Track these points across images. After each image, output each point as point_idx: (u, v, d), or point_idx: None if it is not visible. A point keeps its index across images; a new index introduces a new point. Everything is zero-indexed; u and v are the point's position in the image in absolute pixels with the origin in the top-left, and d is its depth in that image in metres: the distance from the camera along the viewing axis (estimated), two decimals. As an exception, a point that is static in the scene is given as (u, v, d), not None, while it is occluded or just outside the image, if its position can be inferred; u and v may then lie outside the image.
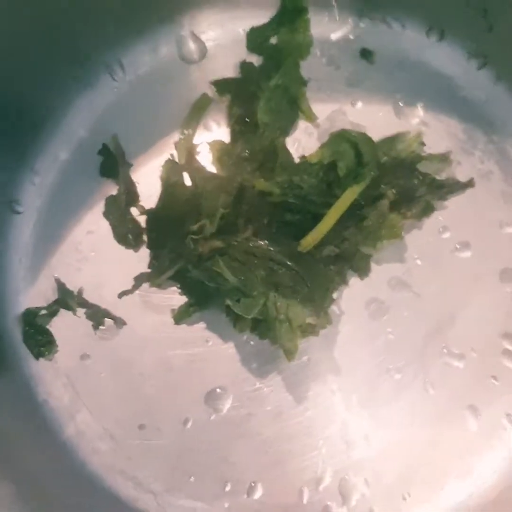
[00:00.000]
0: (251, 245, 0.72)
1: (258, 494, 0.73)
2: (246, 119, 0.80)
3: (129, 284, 0.78)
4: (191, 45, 0.84)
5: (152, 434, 0.75)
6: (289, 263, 0.71)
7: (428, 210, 0.77)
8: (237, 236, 0.72)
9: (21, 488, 0.67)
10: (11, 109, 0.76)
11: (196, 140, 0.81)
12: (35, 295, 0.79)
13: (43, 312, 0.78)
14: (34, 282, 0.79)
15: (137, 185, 0.81)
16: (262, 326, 0.73)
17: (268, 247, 0.72)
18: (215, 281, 0.71)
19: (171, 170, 0.78)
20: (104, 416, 0.76)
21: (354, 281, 0.77)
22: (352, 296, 0.77)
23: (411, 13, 0.81)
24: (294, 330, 0.70)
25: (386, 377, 0.75)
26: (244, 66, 0.81)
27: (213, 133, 0.82)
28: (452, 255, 0.78)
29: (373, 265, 0.77)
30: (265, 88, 0.79)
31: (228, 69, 0.82)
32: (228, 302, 0.71)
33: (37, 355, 0.77)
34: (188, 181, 0.79)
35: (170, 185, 0.77)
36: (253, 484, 0.73)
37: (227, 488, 0.73)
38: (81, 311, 0.78)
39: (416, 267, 0.77)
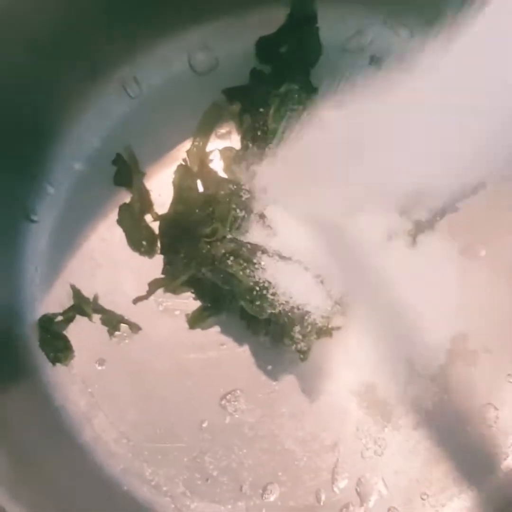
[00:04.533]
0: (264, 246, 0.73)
1: (274, 495, 0.73)
2: (256, 126, 0.80)
3: (143, 290, 0.79)
4: (202, 57, 0.84)
5: (168, 437, 0.75)
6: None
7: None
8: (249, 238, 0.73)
9: (40, 491, 0.67)
10: (27, 121, 0.77)
11: (208, 148, 0.82)
12: (51, 302, 0.80)
13: (59, 318, 0.79)
14: (50, 289, 0.80)
15: (150, 192, 0.81)
16: (275, 327, 0.73)
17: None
18: (229, 283, 0.72)
19: (184, 175, 0.78)
20: (121, 420, 0.76)
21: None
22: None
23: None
24: (307, 330, 0.70)
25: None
26: (254, 73, 0.82)
27: (226, 141, 0.83)
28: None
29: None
30: (275, 95, 0.80)
31: (239, 79, 0.82)
32: (242, 303, 0.71)
33: (54, 361, 0.78)
34: (200, 188, 0.79)
35: (183, 190, 0.77)
36: (269, 486, 0.73)
37: (243, 490, 0.73)
38: (96, 317, 0.79)
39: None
